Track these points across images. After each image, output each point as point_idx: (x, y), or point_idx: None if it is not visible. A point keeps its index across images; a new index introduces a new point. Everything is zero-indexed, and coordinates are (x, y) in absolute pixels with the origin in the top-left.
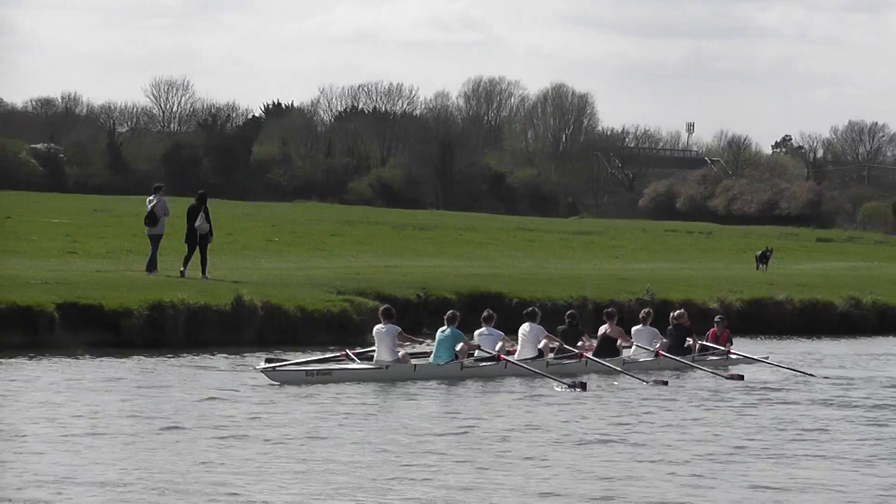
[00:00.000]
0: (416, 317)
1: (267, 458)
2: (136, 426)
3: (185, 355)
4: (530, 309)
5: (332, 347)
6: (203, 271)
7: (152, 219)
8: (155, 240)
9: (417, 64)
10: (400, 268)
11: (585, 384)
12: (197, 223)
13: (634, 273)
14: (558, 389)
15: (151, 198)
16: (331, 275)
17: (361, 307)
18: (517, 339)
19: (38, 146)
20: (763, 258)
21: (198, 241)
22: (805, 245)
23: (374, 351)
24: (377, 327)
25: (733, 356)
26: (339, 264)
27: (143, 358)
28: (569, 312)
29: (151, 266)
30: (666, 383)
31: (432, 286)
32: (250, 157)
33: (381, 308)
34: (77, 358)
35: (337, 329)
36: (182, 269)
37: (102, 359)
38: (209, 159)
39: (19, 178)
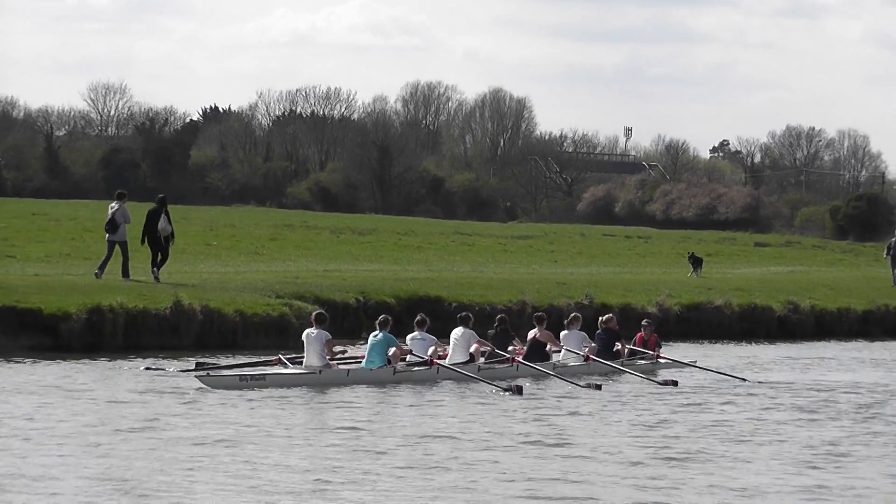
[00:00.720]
0: (355, 321)
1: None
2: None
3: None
4: (463, 313)
5: (278, 351)
6: (156, 271)
7: (112, 225)
8: (111, 245)
9: (355, 68)
10: (339, 272)
11: (521, 388)
12: (160, 225)
13: (573, 277)
14: (495, 393)
15: (113, 204)
16: (270, 279)
17: (301, 311)
18: (449, 344)
19: None
20: (696, 262)
21: (159, 243)
22: (743, 250)
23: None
24: (307, 331)
25: (662, 360)
26: (278, 268)
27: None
28: (499, 317)
29: (103, 267)
30: (599, 387)
31: (371, 290)
32: (188, 162)
33: (314, 313)
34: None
35: (276, 333)
36: (154, 270)
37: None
38: (147, 163)
39: None
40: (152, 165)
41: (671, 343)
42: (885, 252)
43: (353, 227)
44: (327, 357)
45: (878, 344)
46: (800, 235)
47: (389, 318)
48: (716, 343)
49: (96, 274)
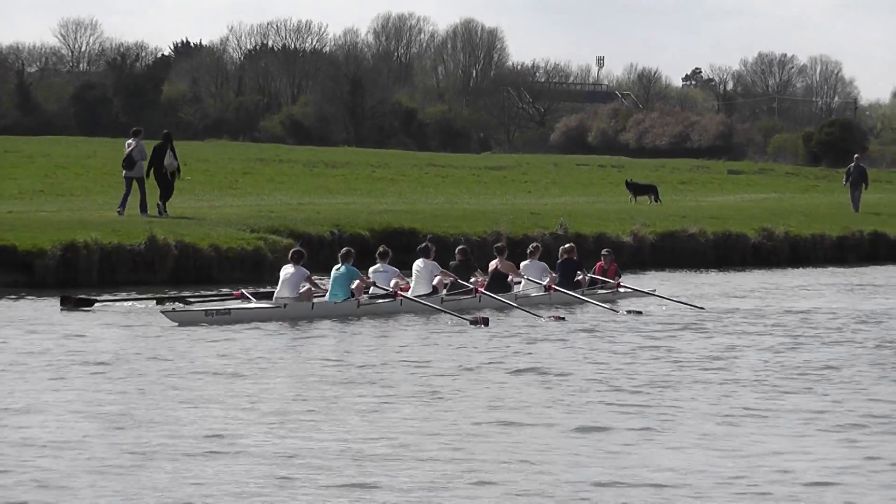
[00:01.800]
0: (330, 254)
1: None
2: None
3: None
4: (423, 244)
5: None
6: (150, 206)
7: (129, 161)
8: (129, 181)
9: (326, 0)
10: (312, 205)
11: (488, 319)
12: (166, 161)
13: (547, 208)
14: (461, 326)
15: (130, 141)
16: (243, 213)
17: (275, 245)
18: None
19: None
20: (641, 189)
21: (165, 178)
22: (716, 178)
23: (269, 290)
24: (285, 268)
25: (622, 290)
26: (252, 202)
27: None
28: (459, 248)
29: (124, 204)
30: (563, 319)
31: (345, 223)
32: (160, 97)
33: (292, 251)
34: None
35: (251, 267)
36: (159, 206)
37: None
38: (119, 99)
39: None
40: (124, 101)
41: (647, 272)
42: (845, 179)
43: (327, 161)
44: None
45: (852, 270)
46: (773, 163)
47: (352, 251)
48: (691, 272)
49: (119, 211)
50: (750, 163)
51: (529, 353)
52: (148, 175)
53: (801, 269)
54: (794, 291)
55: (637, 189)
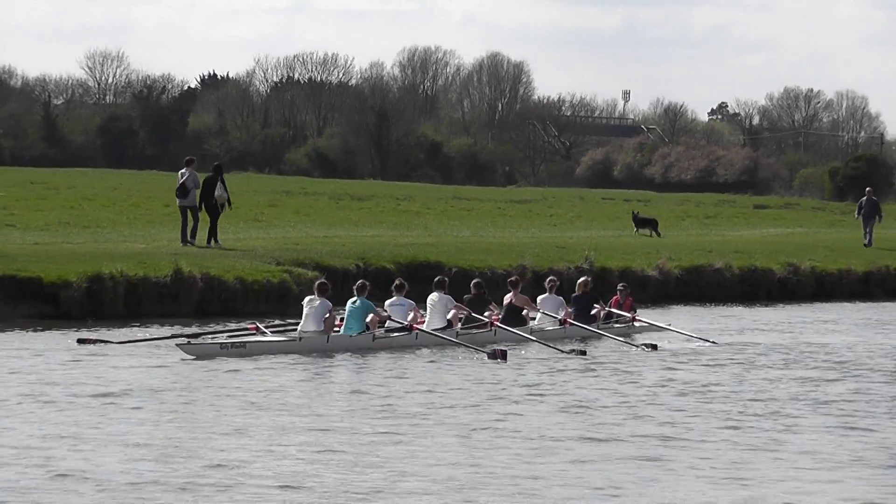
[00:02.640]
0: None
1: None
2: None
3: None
4: (438, 278)
5: (269, 318)
6: (216, 240)
7: (183, 190)
8: (184, 211)
9: (352, 34)
10: (338, 238)
11: (506, 353)
12: (217, 193)
13: (573, 241)
14: (477, 359)
15: (183, 171)
16: (269, 245)
17: (300, 278)
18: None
19: None
20: (642, 223)
21: (215, 210)
22: (742, 212)
23: (286, 324)
24: (309, 298)
25: (637, 324)
26: (277, 235)
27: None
28: (475, 281)
29: (185, 236)
30: (584, 353)
31: (371, 256)
32: (186, 129)
33: (317, 282)
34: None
35: (277, 300)
36: (207, 242)
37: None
38: (145, 131)
39: None
40: (150, 133)
41: (672, 306)
42: (857, 212)
43: (352, 193)
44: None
45: (879, 305)
46: (799, 197)
47: (367, 284)
48: (716, 306)
49: (189, 242)
50: (776, 197)
51: (552, 385)
52: (200, 207)
53: (826, 304)
54: (815, 326)
55: (639, 222)
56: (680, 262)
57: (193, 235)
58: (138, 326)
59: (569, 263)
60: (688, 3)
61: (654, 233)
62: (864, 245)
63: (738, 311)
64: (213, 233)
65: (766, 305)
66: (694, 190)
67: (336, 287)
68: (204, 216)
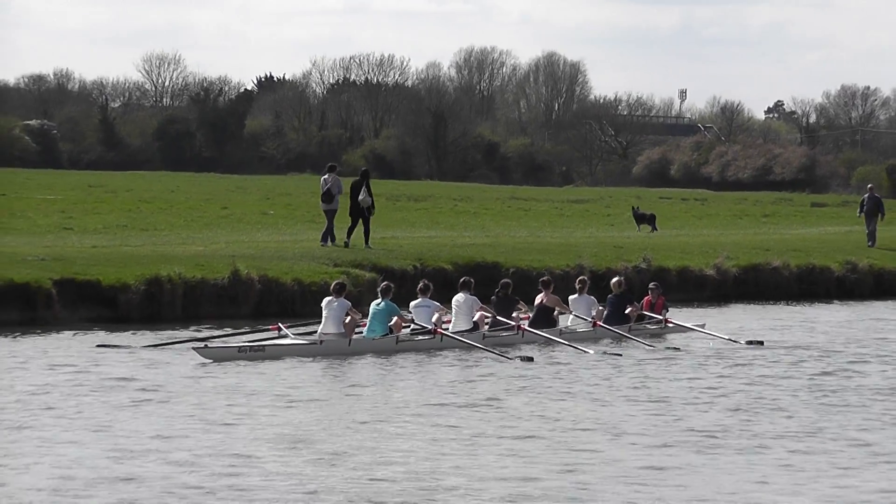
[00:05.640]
0: (412, 287)
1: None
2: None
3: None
4: (464, 279)
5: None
6: (367, 241)
7: (328, 196)
8: (330, 214)
9: (408, 34)
10: (395, 239)
11: (532, 358)
12: (360, 197)
13: (630, 241)
14: (504, 364)
15: (326, 177)
16: (326, 247)
17: (358, 279)
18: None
19: (31, 122)
20: (642, 218)
21: (361, 213)
22: (800, 210)
23: (308, 324)
24: (328, 300)
25: (670, 325)
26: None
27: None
28: (502, 281)
29: (326, 237)
30: (532, 359)
31: (428, 257)
32: (243, 131)
33: (334, 283)
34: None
35: None
36: (346, 239)
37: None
38: (202, 133)
39: (12, 154)
40: (207, 135)
41: (730, 305)
42: (859, 210)
43: (409, 194)
44: (343, 324)
45: None
46: (857, 195)
47: (391, 286)
48: (774, 304)
49: (345, 243)
50: (833, 195)
51: (576, 383)
52: (350, 211)
53: (886, 302)
54: (873, 325)
55: (639, 217)
56: (738, 261)
57: (328, 238)
58: (195, 328)
59: (626, 263)
60: (744, 1)
61: (651, 228)
62: (868, 244)
63: (797, 309)
64: (350, 232)
65: (826, 303)
66: (751, 189)
67: (395, 288)
68: (345, 218)
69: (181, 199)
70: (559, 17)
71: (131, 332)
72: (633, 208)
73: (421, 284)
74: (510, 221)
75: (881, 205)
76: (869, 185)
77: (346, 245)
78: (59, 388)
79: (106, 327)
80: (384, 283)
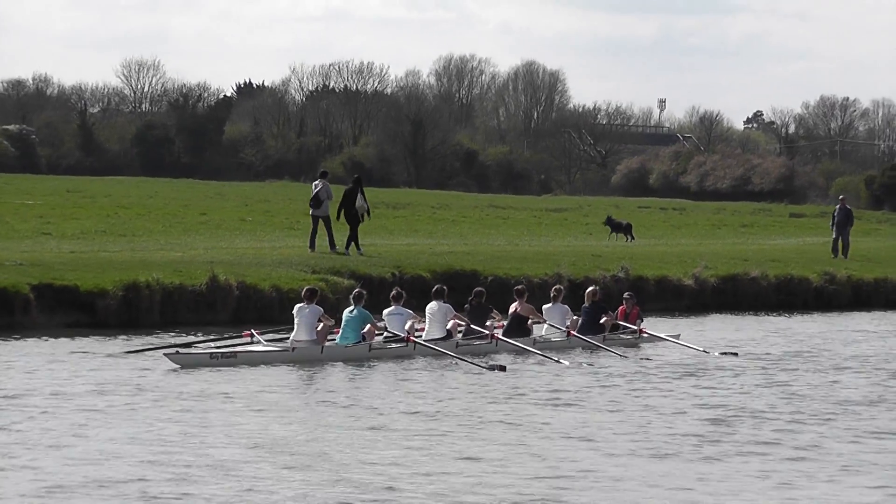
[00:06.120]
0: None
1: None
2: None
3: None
4: (437, 287)
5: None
6: (351, 246)
7: (316, 201)
8: (316, 220)
9: (388, 42)
10: (374, 246)
11: (505, 367)
12: (357, 203)
13: (608, 250)
14: (476, 372)
15: (317, 182)
16: (305, 254)
17: (336, 286)
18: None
19: (10, 127)
20: (617, 227)
21: (356, 219)
22: (778, 220)
23: (281, 330)
24: (299, 306)
25: (645, 335)
26: None
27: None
28: (476, 290)
29: (313, 242)
30: (504, 369)
31: (407, 264)
32: (222, 137)
33: (306, 289)
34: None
35: None
36: (345, 249)
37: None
38: (181, 139)
39: None
40: (186, 141)
41: (708, 315)
42: (831, 222)
43: (388, 202)
44: (316, 330)
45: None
46: (835, 206)
47: (364, 293)
48: (753, 314)
49: (310, 249)
50: (812, 206)
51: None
52: (338, 217)
53: (863, 314)
54: (851, 336)
55: (615, 226)
56: (716, 271)
57: (333, 244)
58: (174, 334)
59: (604, 272)
60: (724, 11)
61: (628, 238)
62: (833, 257)
63: (775, 319)
64: (353, 240)
65: (804, 314)
66: (730, 198)
67: (371, 295)
68: (343, 225)
69: (159, 205)
70: (539, 25)
71: (97, 337)
72: (607, 217)
73: (394, 292)
74: (488, 229)
75: (851, 216)
76: (840, 196)
77: (347, 253)
78: (30, 395)
79: (83, 333)
80: (356, 290)
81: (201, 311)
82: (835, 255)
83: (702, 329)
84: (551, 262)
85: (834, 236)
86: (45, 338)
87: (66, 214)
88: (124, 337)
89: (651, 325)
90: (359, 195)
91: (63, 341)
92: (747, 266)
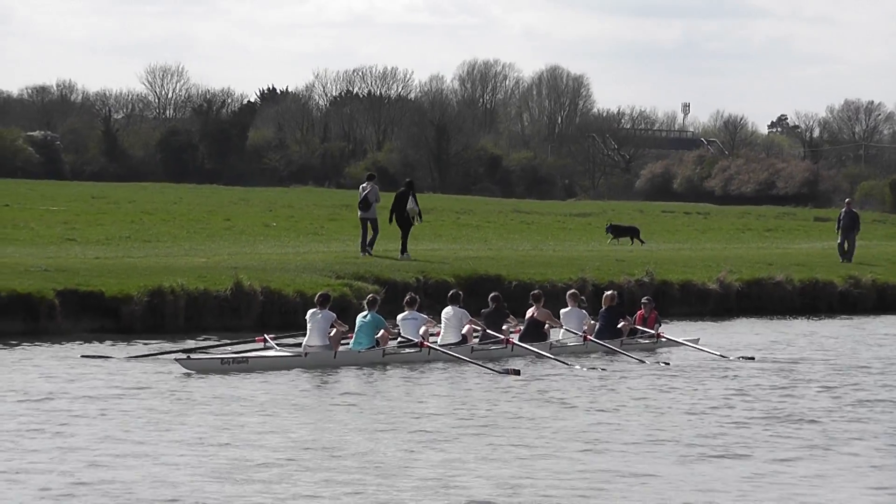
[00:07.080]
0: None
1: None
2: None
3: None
4: (452, 291)
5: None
6: (403, 251)
7: (365, 203)
8: (364, 222)
9: (412, 47)
10: (398, 251)
11: (519, 371)
12: (409, 206)
13: (633, 254)
14: (490, 376)
15: (364, 185)
16: (329, 259)
17: (361, 291)
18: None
19: (34, 134)
20: (623, 232)
21: (407, 223)
22: (803, 224)
23: (295, 335)
24: (311, 311)
25: (663, 339)
26: (337, 248)
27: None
28: (493, 295)
29: (365, 246)
30: (518, 372)
31: (431, 270)
32: (246, 143)
33: (319, 294)
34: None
35: (336, 313)
36: (401, 255)
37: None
38: (205, 145)
39: (15, 165)
40: (210, 147)
41: (734, 319)
42: (837, 226)
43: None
44: (329, 335)
45: None
46: (859, 209)
47: (377, 298)
48: (777, 319)
49: (368, 252)
50: (836, 210)
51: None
52: (391, 220)
53: (889, 317)
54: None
55: (618, 231)
56: (741, 275)
57: (371, 245)
58: (197, 339)
59: (629, 277)
60: (747, 15)
61: (634, 241)
62: (841, 262)
63: (799, 323)
64: (404, 244)
65: (829, 318)
66: (754, 203)
67: (396, 300)
68: (394, 229)
69: (184, 211)
70: (562, 30)
71: (112, 342)
72: (609, 224)
73: (408, 297)
74: (513, 234)
75: (858, 220)
76: (846, 200)
77: (408, 256)
78: (39, 401)
79: (109, 338)
80: (370, 295)
81: (226, 316)
82: (842, 258)
83: (728, 333)
84: (575, 266)
85: (839, 240)
86: (66, 343)
87: (91, 220)
88: (143, 342)
89: (675, 329)
90: (410, 198)
91: (81, 346)
92: (772, 270)
